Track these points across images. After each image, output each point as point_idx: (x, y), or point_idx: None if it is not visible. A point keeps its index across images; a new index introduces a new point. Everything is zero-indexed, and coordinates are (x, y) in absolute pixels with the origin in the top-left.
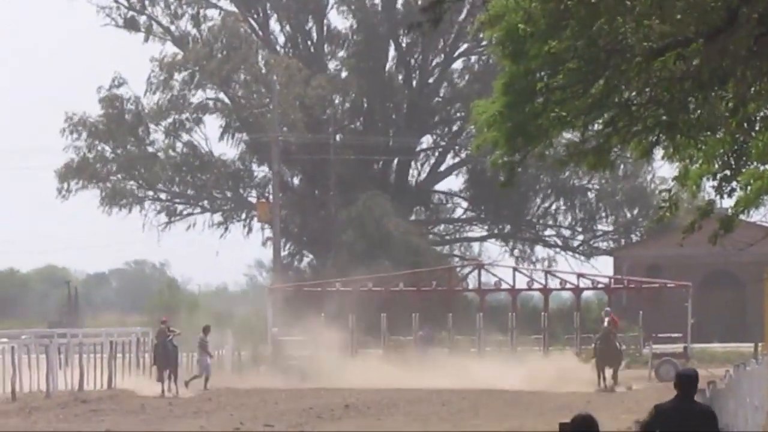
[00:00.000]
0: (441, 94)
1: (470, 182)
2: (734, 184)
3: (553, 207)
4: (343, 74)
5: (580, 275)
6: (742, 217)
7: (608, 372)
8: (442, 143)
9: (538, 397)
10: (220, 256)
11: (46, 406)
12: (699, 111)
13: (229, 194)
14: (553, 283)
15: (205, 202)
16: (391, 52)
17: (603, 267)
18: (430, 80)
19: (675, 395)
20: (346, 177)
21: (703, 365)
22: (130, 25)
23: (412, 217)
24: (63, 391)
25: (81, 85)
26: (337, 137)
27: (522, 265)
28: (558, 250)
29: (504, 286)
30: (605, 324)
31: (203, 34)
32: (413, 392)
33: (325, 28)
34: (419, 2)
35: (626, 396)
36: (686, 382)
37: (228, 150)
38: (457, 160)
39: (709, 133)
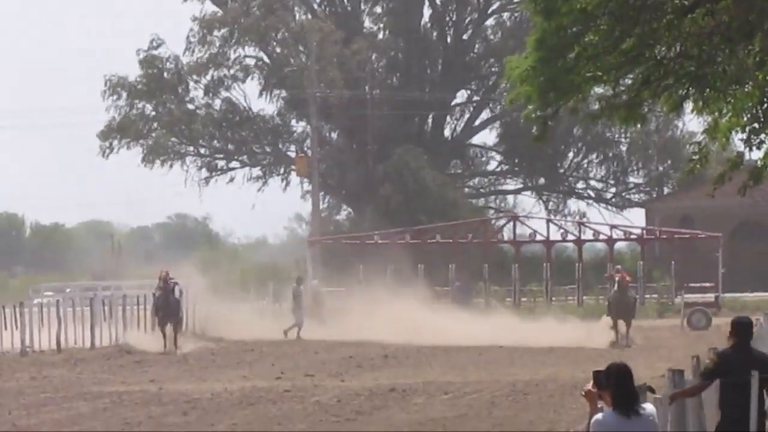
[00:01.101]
0: (475, 50)
1: (504, 136)
2: (762, 136)
3: (586, 160)
4: (380, 32)
5: (613, 227)
6: None
7: (622, 325)
8: (477, 98)
9: (571, 350)
10: (261, 209)
11: (90, 358)
12: (727, 65)
13: (268, 149)
14: (587, 235)
15: (245, 157)
16: (426, 10)
17: (635, 218)
18: (465, 37)
19: (732, 343)
20: (383, 132)
21: (733, 313)
22: None
23: (448, 171)
24: (107, 344)
25: (121, 47)
26: (374, 93)
27: (556, 217)
28: (591, 202)
29: (538, 237)
30: (616, 284)
31: None
32: (450, 343)
33: None
34: None
35: (661, 343)
36: (742, 329)
37: (267, 106)
38: (491, 114)
39: (737, 86)
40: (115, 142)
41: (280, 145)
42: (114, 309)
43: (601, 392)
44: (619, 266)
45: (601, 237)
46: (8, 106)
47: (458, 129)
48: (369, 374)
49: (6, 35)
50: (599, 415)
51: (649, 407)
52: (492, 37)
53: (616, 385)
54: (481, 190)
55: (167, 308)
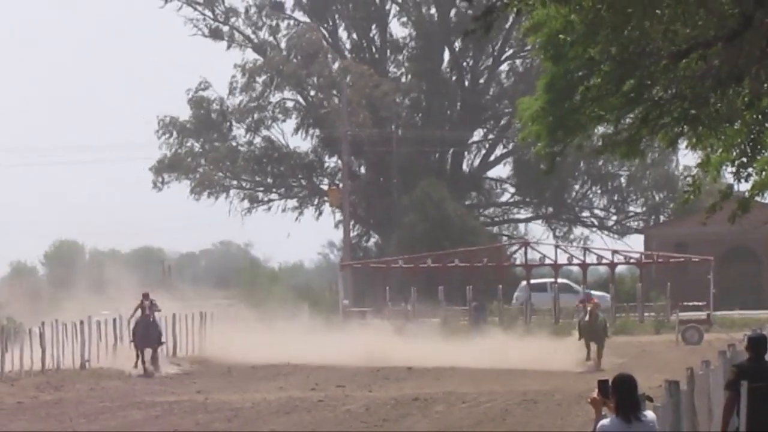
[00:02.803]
0: (490, 93)
1: (516, 170)
2: (750, 169)
3: (590, 191)
4: (404, 76)
5: (614, 251)
6: (758, 198)
7: (594, 347)
8: (492, 136)
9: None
10: (297, 236)
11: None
12: (719, 105)
13: (303, 182)
14: (590, 259)
15: (283, 189)
16: (446, 56)
17: (634, 244)
18: (481, 81)
19: (748, 356)
20: (407, 166)
21: (724, 330)
22: (215, 34)
23: (466, 201)
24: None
25: (170, 87)
26: (399, 131)
27: (563, 243)
28: (594, 229)
29: (547, 261)
30: (587, 314)
31: (280, 42)
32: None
33: (387, 36)
34: (470, 12)
35: (658, 357)
36: (756, 344)
37: (302, 144)
38: (504, 150)
39: (727, 124)
40: (167, 176)
41: (315, 179)
42: (165, 326)
43: (605, 400)
44: (589, 291)
45: (604, 261)
46: (67, 142)
47: (475, 164)
48: (395, 385)
49: (67, 77)
50: (605, 421)
51: (650, 414)
52: (505, 81)
53: (621, 394)
54: (496, 219)
55: (146, 331)
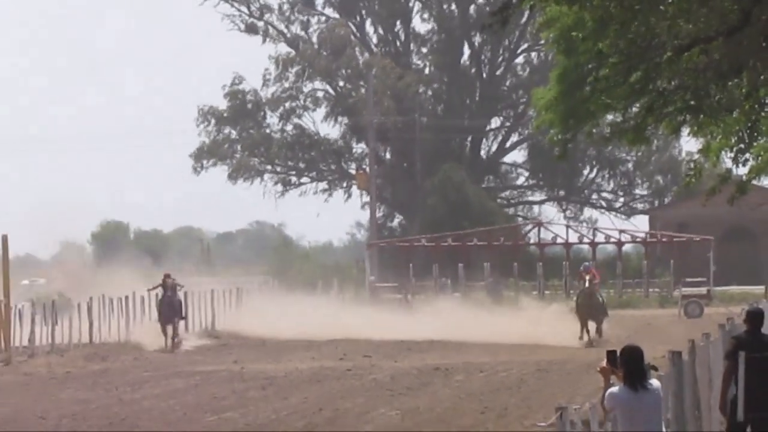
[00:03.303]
0: (506, 84)
1: (531, 156)
2: (748, 155)
3: (599, 175)
4: (426, 68)
5: (621, 231)
6: (755, 182)
7: (592, 325)
8: (508, 124)
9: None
10: (326, 217)
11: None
12: (719, 96)
13: (332, 167)
14: (599, 238)
15: (313, 173)
16: (466, 50)
17: (640, 224)
18: (498, 72)
19: (746, 329)
20: (429, 152)
21: (723, 304)
22: (251, 29)
23: (484, 185)
24: (199, 329)
25: (209, 78)
26: (422, 119)
27: (573, 224)
28: (603, 210)
29: (559, 240)
30: (586, 281)
31: (311, 36)
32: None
33: (410, 31)
34: (488, 8)
35: (662, 330)
36: (753, 317)
37: (331, 131)
38: (520, 137)
39: (727, 113)
40: (206, 162)
41: (343, 164)
42: (204, 301)
43: (613, 369)
44: (588, 263)
45: (612, 240)
46: (115, 130)
47: (492, 150)
48: (417, 356)
49: (114, 71)
50: (614, 389)
51: (655, 383)
52: (521, 72)
53: (629, 364)
54: (512, 201)
55: (170, 309)
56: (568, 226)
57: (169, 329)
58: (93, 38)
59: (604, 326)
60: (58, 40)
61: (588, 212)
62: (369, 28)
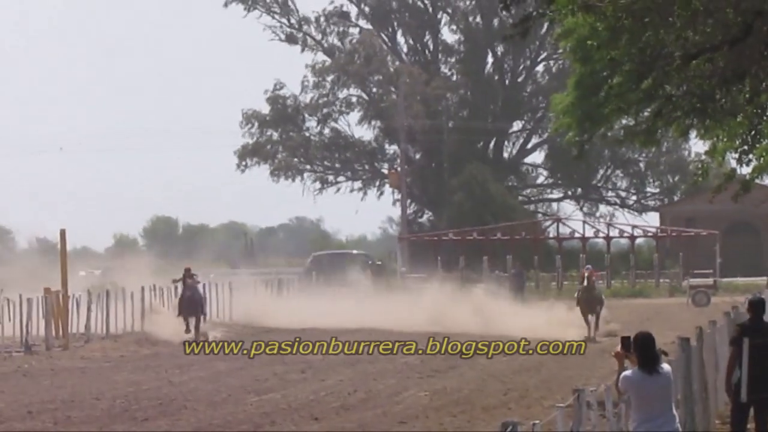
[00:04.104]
0: (527, 90)
1: (550, 156)
2: (751, 156)
3: (613, 175)
4: (453, 76)
5: (634, 226)
6: (757, 180)
7: (592, 319)
8: (528, 127)
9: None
10: (361, 213)
11: (227, 326)
12: (724, 101)
13: (366, 167)
14: (614, 233)
15: (349, 173)
16: (489, 59)
17: (651, 220)
18: (519, 79)
19: (749, 317)
20: (456, 153)
21: (728, 294)
22: (290, 39)
23: (506, 183)
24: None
25: (252, 83)
26: (449, 123)
27: (590, 219)
28: (617, 207)
29: (576, 235)
30: (585, 280)
31: (346, 45)
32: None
33: (438, 41)
34: (510, 21)
35: (671, 317)
36: (755, 306)
37: (365, 133)
38: (539, 139)
39: (731, 117)
40: (249, 161)
41: (376, 164)
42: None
43: (627, 354)
44: (589, 266)
45: (625, 234)
46: (166, 131)
47: (514, 151)
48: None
49: (166, 75)
50: (628, 372)
51: (666, 367)
52: (541, 79)
53: (641, 349)
54: (532, 198)
55: (191, 303)
56: (584, 222)
57: (192, 322)
58: (149, 48)
59: (603, 312)
60: (119, 49)
61: (603, 209)
62: (400, 38)
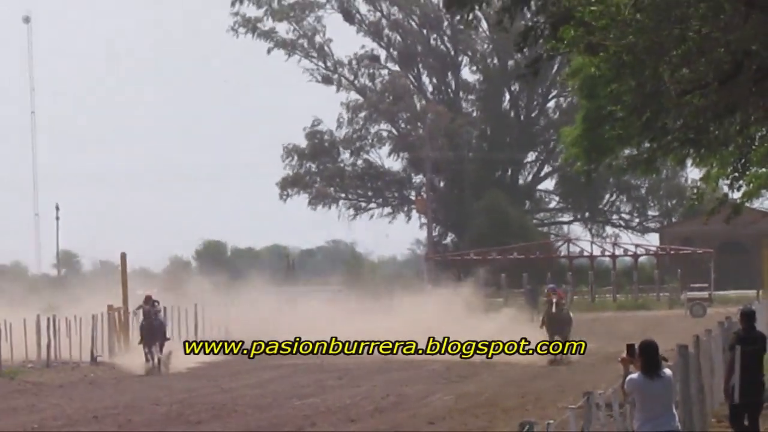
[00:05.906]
0: (540, 124)
1: (561, 183)
2: (741, 182)
3: (618, 199)
4: (474, 112)
5: (637, 245)
6: (747, 204)
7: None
8: (542, 157)
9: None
10: (391, 236)
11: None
12: (716, 132)
13: (395, 194)
14: (619, 251)
15: (380, 200)
16: (506, 96)
17: (652, 239)
18: (533, 115)
19: (742, 326)
20: (476, 181)
21: (722, 306)
22: (326, 80)
23: (522, 208)
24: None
25: (291, 120)
26: (470, 154)
27: (597, 240)
28: (621, 228)
29: (585, 254)
30: (553, 300)
31: (377, 85)
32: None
33: (459, 80)
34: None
35: (671, 327)
36: (748, 316)
37: (394, 164)
38: (551, 168)
39: (723, 147)
40: (290, 190)
41: (404, 192)
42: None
43: (632, 360)
44: (553, 285)
45: (629, 253)
46: (215, 164)
47: (529, 178)
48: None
49: (215, 113)
50: (633, 376)
51: (668, 372)
52: (552, 114)
53: (645, 355)
54: (545, 221)
55: (150, 331)
56: (592, 242)
57: (155, 351)
58: (199, 87)
59: (571, 336)
60: (183, 94)
61: (609, 230)
62: (425, 78)
